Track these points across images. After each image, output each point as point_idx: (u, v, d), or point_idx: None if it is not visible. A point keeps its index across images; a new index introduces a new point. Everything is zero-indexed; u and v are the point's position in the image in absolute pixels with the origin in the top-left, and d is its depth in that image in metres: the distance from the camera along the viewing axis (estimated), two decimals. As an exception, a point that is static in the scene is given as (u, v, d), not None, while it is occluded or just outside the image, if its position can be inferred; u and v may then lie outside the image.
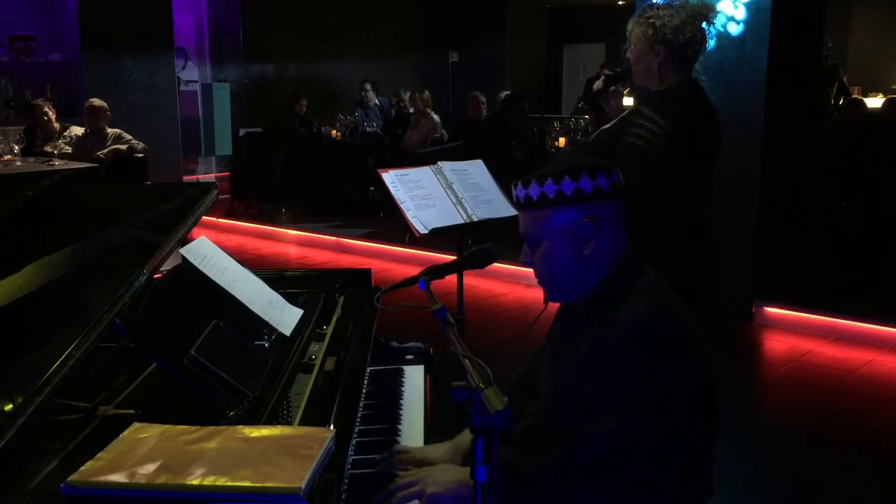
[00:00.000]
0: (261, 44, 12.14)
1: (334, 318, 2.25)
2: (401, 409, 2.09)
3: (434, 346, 2.46)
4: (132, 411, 1.69)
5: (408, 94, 10.46)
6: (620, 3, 13.45)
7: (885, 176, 6.04)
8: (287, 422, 1.69)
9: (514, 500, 1.55)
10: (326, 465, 1.40)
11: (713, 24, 2.63)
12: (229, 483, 1.28)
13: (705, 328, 1.74)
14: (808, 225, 5.96)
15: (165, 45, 9.93)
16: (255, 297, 2.03)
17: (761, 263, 5.65)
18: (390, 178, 3.26)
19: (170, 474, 1.30)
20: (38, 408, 1.41)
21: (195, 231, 2.14)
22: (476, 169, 3.52)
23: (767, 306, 5.62)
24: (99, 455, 1.38)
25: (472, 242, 2.64)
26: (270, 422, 1.64)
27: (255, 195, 9.54)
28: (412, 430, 2.01)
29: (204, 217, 2.19)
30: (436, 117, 9.44)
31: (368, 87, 10.70)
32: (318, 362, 1.94)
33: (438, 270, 1.81)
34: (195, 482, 1.28)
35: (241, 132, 10.46)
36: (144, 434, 1.44)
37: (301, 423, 1.66)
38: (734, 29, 5.40)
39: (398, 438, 1.94)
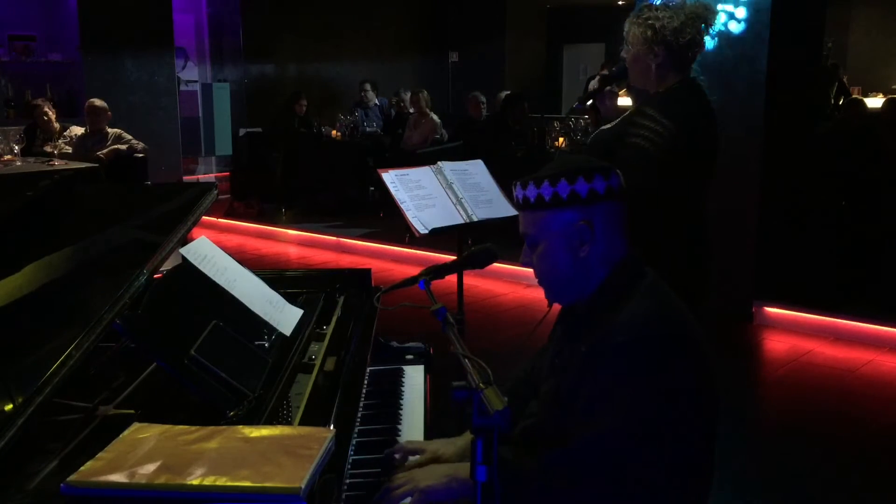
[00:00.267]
0: (261, 44, 12.14)
1: (334, 318, 2.25)
2: (401, 409, 2.09)
3: (434, 346, 2.46)
4: (132, 411, 1.69)
5: (408, 95, 10.45)
6: (620, 2, 13.45)
7: (885, 176, 6.04)
8: (287, 422, 1.69)
9: (514, 500, 1.56)
10: (326, 466, 1.40)
11: (712, 25, 2.63)
12: (229, 483, 1.28)
13: (705, 328, 1.74)
14: (808, 225, 5.95)
15: (165, 45, 9.93)
16: (255, 296, 2.03)
17: (761, 263, 5.66)
18: (390, 178, 3.26)
19: (170, 474, 1.30)
20: (37, 408, 1.41)
21: (195, 231, 2.14)
22: (476, 169, 3.52)
23: (767, 306, 5.62)
24: (99, 455, 1.38)
25: (472, 242, 2.64)
26: (270, 422, 1.64)
27: (255, 195, 9.55)
28: (412, 430, 2.01)
29: (204, 217, 2.19)
30: (436, 117, 9.43)
31: (368, 87, 10.69)
32: (318, 362, 1.94)
33: (438, 270, 1.81)
34: (195, 482, 1.28)
35: (241, 132, 10.45)
36: (144, 434, 1.45)
37: (301, 423, 1.66)
38: (735, 27, 5.40)
39: (398, 438, 1.94)
